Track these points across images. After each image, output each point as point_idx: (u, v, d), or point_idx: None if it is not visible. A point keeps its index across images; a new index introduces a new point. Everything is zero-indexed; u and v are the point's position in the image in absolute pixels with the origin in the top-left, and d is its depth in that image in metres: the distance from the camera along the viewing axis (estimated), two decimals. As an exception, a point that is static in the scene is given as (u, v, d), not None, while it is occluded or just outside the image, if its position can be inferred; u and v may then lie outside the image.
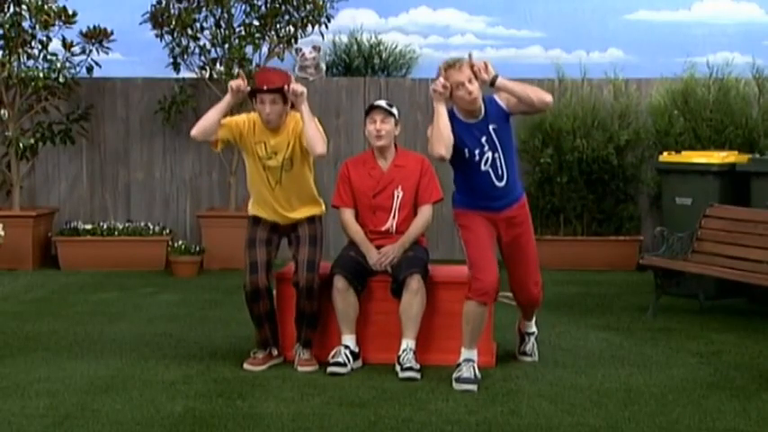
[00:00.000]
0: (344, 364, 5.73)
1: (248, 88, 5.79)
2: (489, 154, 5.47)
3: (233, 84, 5.77)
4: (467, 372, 5.46)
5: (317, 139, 5.68)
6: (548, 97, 5.47)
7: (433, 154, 5.45)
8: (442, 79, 5.43)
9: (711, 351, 6.31)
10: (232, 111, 6.04)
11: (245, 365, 5.83)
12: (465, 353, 5.53)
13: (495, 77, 5.42)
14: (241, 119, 5.89)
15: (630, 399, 5.25)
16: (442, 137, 5.40)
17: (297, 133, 5.79)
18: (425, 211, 6.05)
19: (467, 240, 5.58)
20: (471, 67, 5.41)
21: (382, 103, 6.12)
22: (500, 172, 5.50)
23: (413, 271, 5.77)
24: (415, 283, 5.75)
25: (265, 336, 5.92)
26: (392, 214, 5.99)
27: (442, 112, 5.43)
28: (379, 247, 5.97)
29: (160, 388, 5.44)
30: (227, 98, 5.78)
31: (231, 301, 7.70)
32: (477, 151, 5.46)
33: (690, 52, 9.96)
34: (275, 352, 5.94)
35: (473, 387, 5.41)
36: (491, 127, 5.48)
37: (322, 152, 5.72)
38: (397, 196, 5.98)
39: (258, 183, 5.91)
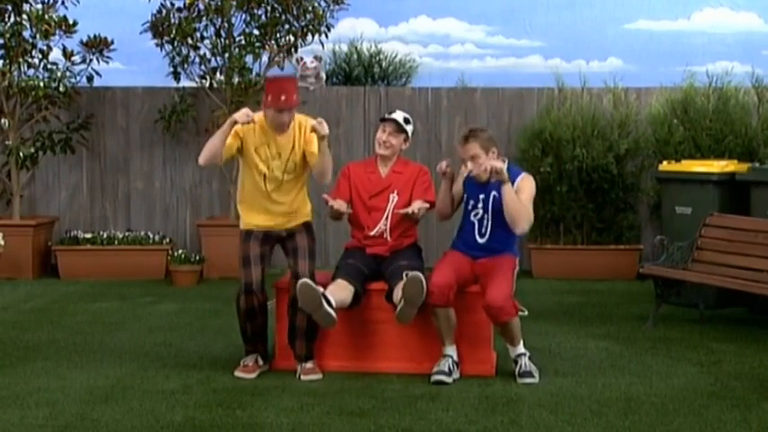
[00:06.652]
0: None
1: (254, 120, 5.75)
2: (480, 211, 5.95)
3: (241, 119, 5.66)
4: (443, 365, 5.77)
5: (327, 170, 5.90)
6: (520, 228, 5.80)
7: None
8: (443, 164, 5.97)
9: (712, 360, 6.31)
10: None
11: (238, 373, 5.88)
12: (444, 349, 5.84)
13: (502, 183, 5.76)
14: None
15: (631, 408, 5.25)
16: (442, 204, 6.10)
17: (301, 137, 5.86)
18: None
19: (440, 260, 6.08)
20: (489, 170, 5.79)
21: (399, 117, 6.14)
22: (483, 230, 5.95)
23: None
24: None
25: (255, 349, 5.99)
26: (386, 215, 6.06)
27: (442, 189, 6.05)
28: (374, 255, 6.04)
29: (160, 397, 5.44)
30: (228, 128, 5.70)
31: (231, 310, 7.57)
32: (471, 202, 5.99)
33: (689, 61, 9.99)
34: (261, 362, 6.00)
35: (445, 378, 5.69)
36: (493, 193, 5.89)
37: (328, 182, 5.97)
38: (392, 200, 6.07)
39: (255, 187, 5.90)
